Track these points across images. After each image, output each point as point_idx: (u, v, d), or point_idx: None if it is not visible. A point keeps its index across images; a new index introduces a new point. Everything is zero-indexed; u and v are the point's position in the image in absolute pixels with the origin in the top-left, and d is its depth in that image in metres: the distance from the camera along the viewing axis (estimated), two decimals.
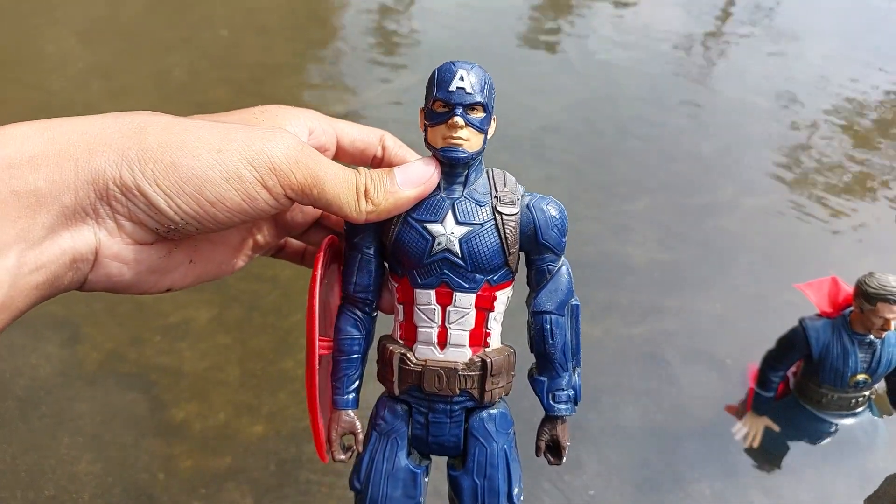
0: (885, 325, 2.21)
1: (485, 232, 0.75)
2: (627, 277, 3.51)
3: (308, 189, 0.59)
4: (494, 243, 0.76)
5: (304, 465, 2.49)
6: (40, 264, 0.50)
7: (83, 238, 0.53)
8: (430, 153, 0.76)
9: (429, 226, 0.74)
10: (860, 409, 2.57)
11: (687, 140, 4.66)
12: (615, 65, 5.62)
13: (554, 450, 0.97)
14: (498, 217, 0.77)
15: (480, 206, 0.76)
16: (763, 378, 2.59)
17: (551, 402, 0.93)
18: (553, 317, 0.90)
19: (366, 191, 0.64)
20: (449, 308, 0.79)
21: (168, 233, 0.55)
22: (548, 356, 0.90)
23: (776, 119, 4.96)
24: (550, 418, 0.95)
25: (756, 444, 2.60)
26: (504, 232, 0.77)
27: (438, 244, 0.74)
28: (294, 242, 0.84)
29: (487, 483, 0.90)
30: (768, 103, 5.17)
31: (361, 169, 0.67)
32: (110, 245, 0.54)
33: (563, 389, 0.92)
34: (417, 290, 0.78)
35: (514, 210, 0.78)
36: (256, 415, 2.69)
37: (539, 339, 0.90)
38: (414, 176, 0.68)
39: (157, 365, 2.81)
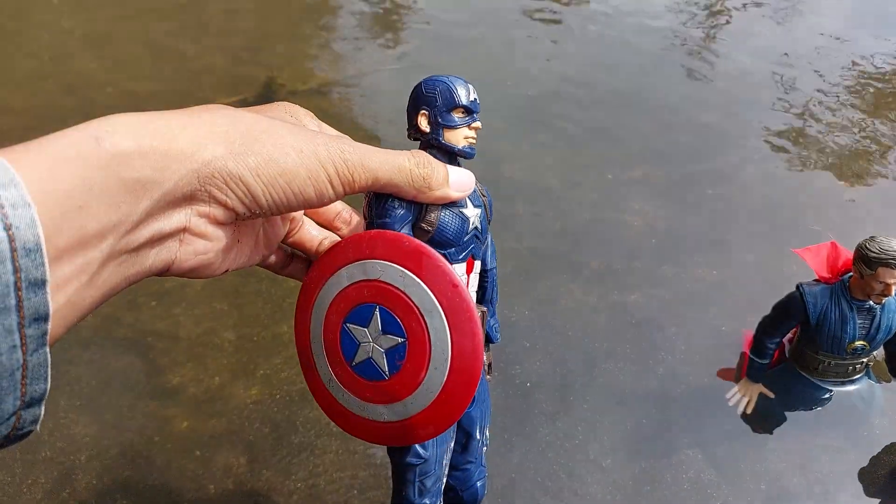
0: (886, 291, 2.19)
1: (485, 211, 1.02)
2: (623, 244, 3.49)
3: (368, 186, 0.71)
4: (487, 219, 1.04)
5: (298, 429, 2.50)
6: (134, 247, 0.54)
7: (177, 220, 0.57)
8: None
9: (462, 210, 0.97)
10: (858, 377, 2.56)
11: (687, 110, 4.60)
12: (615, 35, 5.52)
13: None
14: (484, 199, 1.05)
15: (475, 191, 1.00)
16: (758, 344, 2.58)
17: (495, 333, 1.25)
18: (495, 270, 1.20)
19: (423, 178, 0.75)
20: (471, 275, 1.01)
21: (247, 217, 0.61)
22: (491, 301, 1.19)
23: (779, 87, 4.89)
24: (490, 343, 1.25)
25: (749, 411, 2.61)
26: (489, 210, 1.06)
27: (473, 224, 0.97)
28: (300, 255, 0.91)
29: (485, 407, 1.26)
30: (771, 72, 5.09)
31: (415, 152, 0.78)
32: (199, 225, 0.58)
33: (496, 324, 1.25)
34: (454, 265, 0.96)
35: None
36: (251, 378, 2.69)
37: (489, 288, 1.18)
38: (463, 184, 0.81)
39: (153, 329, 2.81)
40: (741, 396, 2.63)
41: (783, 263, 3.25)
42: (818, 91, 4.87)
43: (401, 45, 5.10)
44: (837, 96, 4.81)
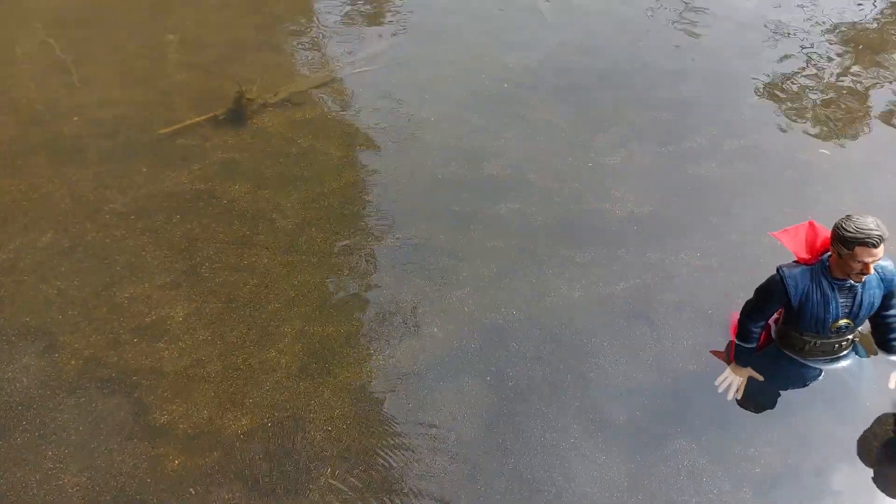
0: (865, 270, 2.16)
1: None
2: (607, 234, 3.46)
3: None
4: None
5: (291, 456, 2.49)
6: None
7: None
8: None
9: None
10: (845, 353, 2.54)
11: (665, 84, 4.52)
12: (590, 11, 5.43)
13: None
14: None
15: None
16: (743, 330, 2.56)
17: None
18: None
19: None
20: None
21: None
22: None
23: (758, 57, 4.80)
24: None
25: (739, 396, 2.60)
26: None
27: None
28: None
29: None
30: (750, 40, 5.00)
31: None
32: None
33: None
34: None
35: None
36: (241, 408, 2.68)
37: None
38: None
39: (137, 367, 2.80)
40: (730, 382, 2.62)
41: (765, 241, 3.22)
42: (803, 57, 4.79)
43: (373, 44, 5.03)
44: (818, 64, 4.74)
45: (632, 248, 3.36)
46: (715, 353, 2.81)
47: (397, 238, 3.43)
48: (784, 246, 2.36)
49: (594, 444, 2.58)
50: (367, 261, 3.30)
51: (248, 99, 4.21)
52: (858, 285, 2.27)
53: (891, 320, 2.47)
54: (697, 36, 5.04)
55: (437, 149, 4.02)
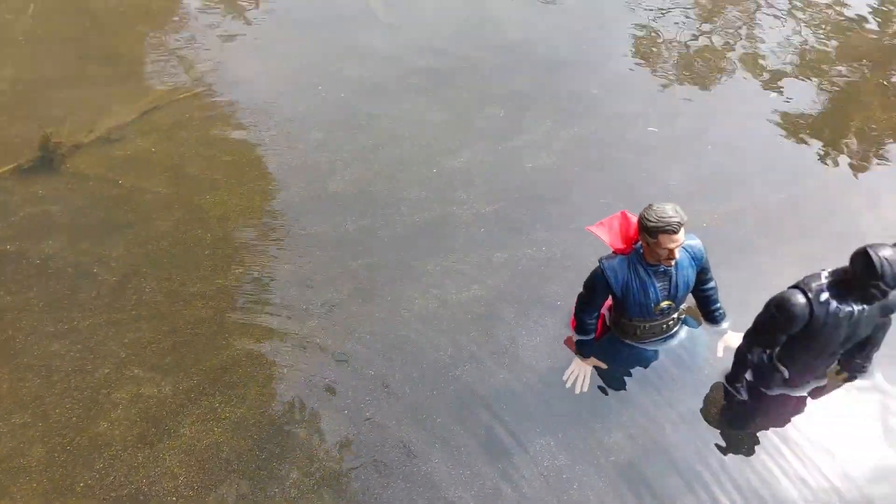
0: (671, 255, 2.26)
1: None
2: (455, 240, 3.44)
3: None
4: None
5: None
6: None
7: None
8: None
9: None
10: (676, 330, 2.67)
11: (501, 77, 4.56)
12: (425, 8, 5.38)
13: None
14: None
15: None
16: (579, 322, 2.62)
17: None
18: None
19: None
20: None
21: None
22: None
23: (591, 46, 4.95)
24: None
25: (586, 388, 2.66)
26: None
27: None
28: None
29: None
30: (580, 30, 5.14)
31: None
32: None
33: None
34: None
35: None
36: (71, 495, 2.42)
37: None
38: None
39: None
40: (577, 375, 2.68)
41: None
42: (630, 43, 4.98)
43: (198, 65, 4.71)
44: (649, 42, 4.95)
45: (480, 251, 3.37)
46: (568, 343, 2.86)
47: (237, 274, 3.23)
48: (600, 239, 2.43)
49: (454, 461, 2.55)
50: (204, 304, 3.09)
51: (57, 142, 3.81)
52: (671, 268, 2.38)
53: (709, 293, 2.62)
54: (533, 28, 5.13)
55: (277, 171, 3.84)
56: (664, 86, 4.44)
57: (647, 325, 2.55)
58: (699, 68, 4.59)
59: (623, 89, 4.41)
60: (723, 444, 2.60)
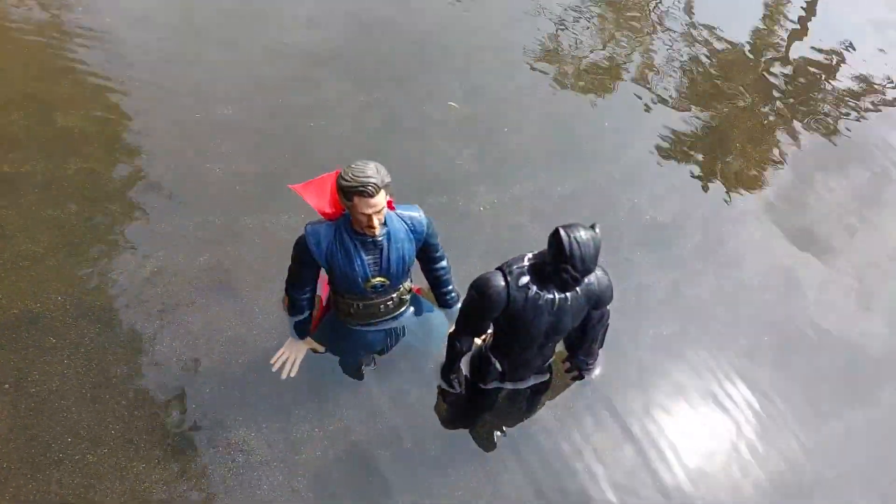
0: (369, 223, 1.93)
1: None
2: (202, 199, 2.99)
3: None
4: None
5: None
6: None
7: None
8: None
9: None
10: (400, 312, 2.35)
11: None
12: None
13: None
14: None
15: None
16: (291, 301, 2.26)
17: None
18: None
19: None
20: None
21: None
22: None
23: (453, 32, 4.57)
24: None
25: (294, 373, 2.32)
26: None
27: None
28: None
29: None
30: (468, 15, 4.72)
31: None
32: None
33: None
34: None
35: None
36: None
37: None
38: None
39: None
40: (286, 359, 2.32)
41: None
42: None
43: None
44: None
45: (229, 213, 2.93)
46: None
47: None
48: (306, 201, 2.06)
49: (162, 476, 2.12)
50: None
51: None
52: (383, 240, 2.06)
53: (439, 272, 2.34)
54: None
55: None
56: (481, 62, 4.14)
57: (361, 305, 2.22)
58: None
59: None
60: (447, 439, 2.35)
